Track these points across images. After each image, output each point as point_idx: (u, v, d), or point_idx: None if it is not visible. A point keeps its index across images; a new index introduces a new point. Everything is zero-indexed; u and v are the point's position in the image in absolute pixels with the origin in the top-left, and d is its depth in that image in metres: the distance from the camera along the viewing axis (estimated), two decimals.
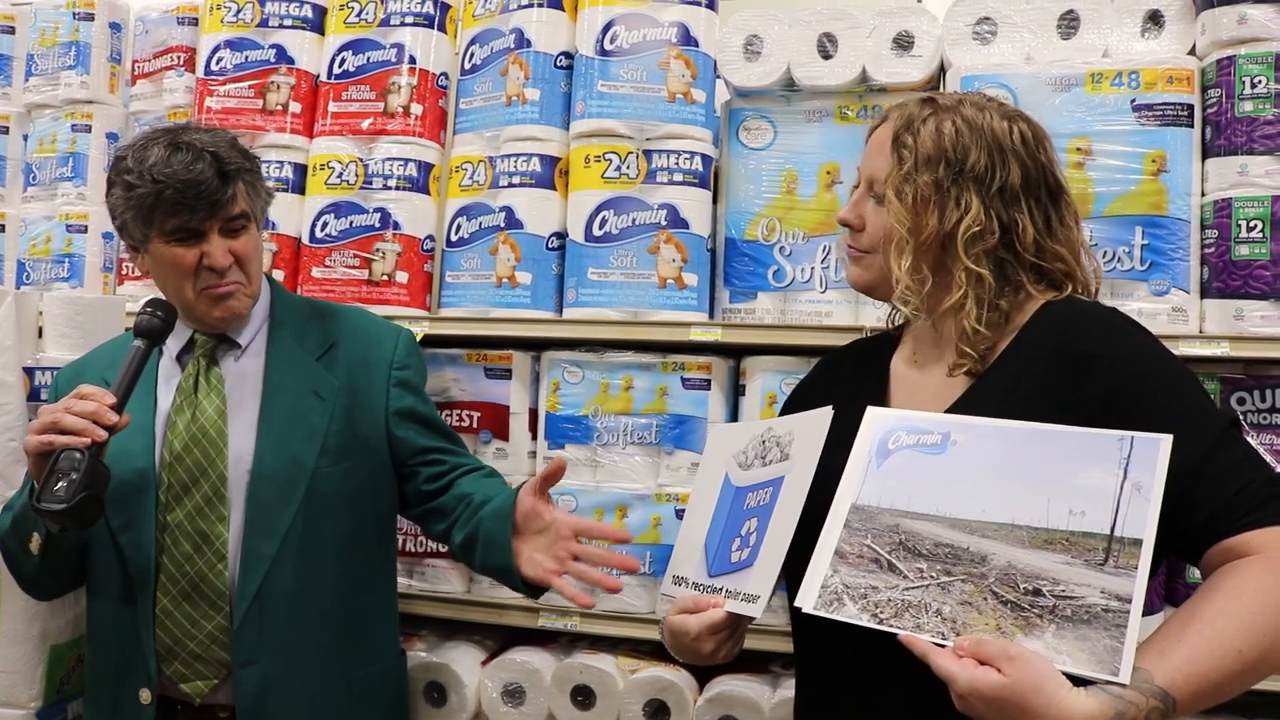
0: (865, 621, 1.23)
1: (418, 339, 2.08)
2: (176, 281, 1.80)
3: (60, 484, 1.58)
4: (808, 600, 1.29)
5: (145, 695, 1.79)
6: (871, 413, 1.41)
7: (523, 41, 2.40)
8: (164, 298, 1.84)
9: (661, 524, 2.20)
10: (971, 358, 1.41)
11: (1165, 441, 1.19)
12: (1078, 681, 1.11)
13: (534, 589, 1.74)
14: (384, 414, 1.94)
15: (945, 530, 1.27)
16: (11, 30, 2.91)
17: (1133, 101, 2.05)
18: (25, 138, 2.88)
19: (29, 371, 2.11)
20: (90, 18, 2.79)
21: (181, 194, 1.73)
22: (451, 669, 2.28)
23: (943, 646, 1.16)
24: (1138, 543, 1.16)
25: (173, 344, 1.89)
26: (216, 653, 1.79)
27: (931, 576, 1.23)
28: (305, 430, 1.85)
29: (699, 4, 2.33)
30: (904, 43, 2.19)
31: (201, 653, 1.79)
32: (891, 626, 1.21)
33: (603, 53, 2.32)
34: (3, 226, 2.84)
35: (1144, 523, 1.17)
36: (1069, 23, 2.13)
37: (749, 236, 2.29)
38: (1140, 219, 2.03)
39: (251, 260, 1.86)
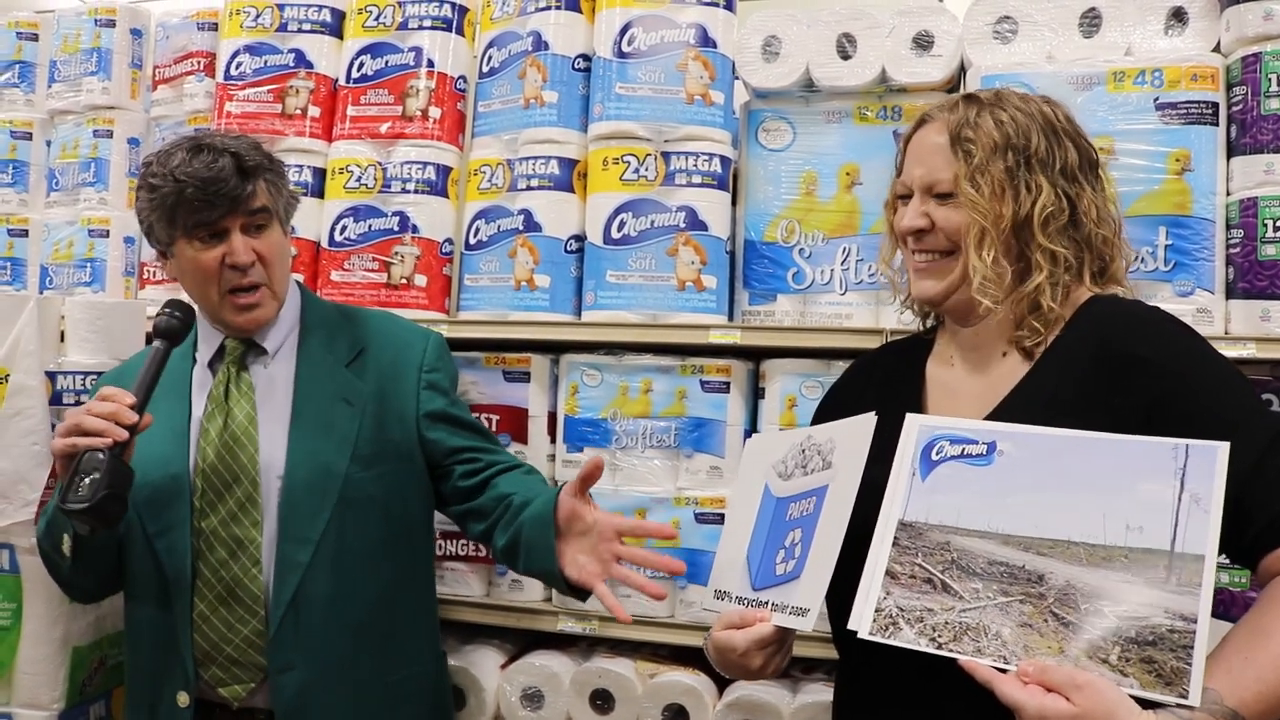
0: (925, 647, 1.21)
1: None
2: (202, 284, 1.83)
3: (83, 484, 1.61)
4: (863, 625, 1.27)
5: (183, 698, 1.81)
6: (912, 420, 1.39)
7: (541, 44, 2.39)
8: (184, 299, 1.85)
9: (680, 527, 2.19)
10: (1039, 333, 1.42)
11: (1222, 450, 1.16)
12: (1145, 705, 1.09)
13: (580, 591, 1.72)
14: (414, 418, 1.93)
15: (998, 547, 1.24)
16: (35, 37, 2.93)
17: (1156, 100, 2.02)
18: (48, 143, 2.89)
19: (51, 375, 2.13)
20: (112, 24, 2.80)
21: (202, 190, 1.75)
22: (470, 672, 2.27)
23: (1005, 671, 1.14)
24: (1199, 559, 1.13)
25: (204, 350, 1.91)
26: (253, 657, 1.80)
27: (988, 597, 1.21)
28: (336, 437, 1.86)
29: (717, 5, 2.32)
30: (924, 42, 2.17)
31: (239, 657, 1.80)
32: (952, 651, 1.19)
33: (620, 55, 2.32)
34: (26, 231, 2.85)
35: (1205, 538, 1.14)
36: (1091, 21, 2.11)
37: (768, 238, 2.28)
38: (1164, 219, 2.00)
39: (275, 261, 1.86)
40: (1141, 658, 1.11)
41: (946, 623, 1.21)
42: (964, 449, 1.32)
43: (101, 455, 1.62)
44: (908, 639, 1.22)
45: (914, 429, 1.37)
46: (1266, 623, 1.18)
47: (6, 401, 2.12)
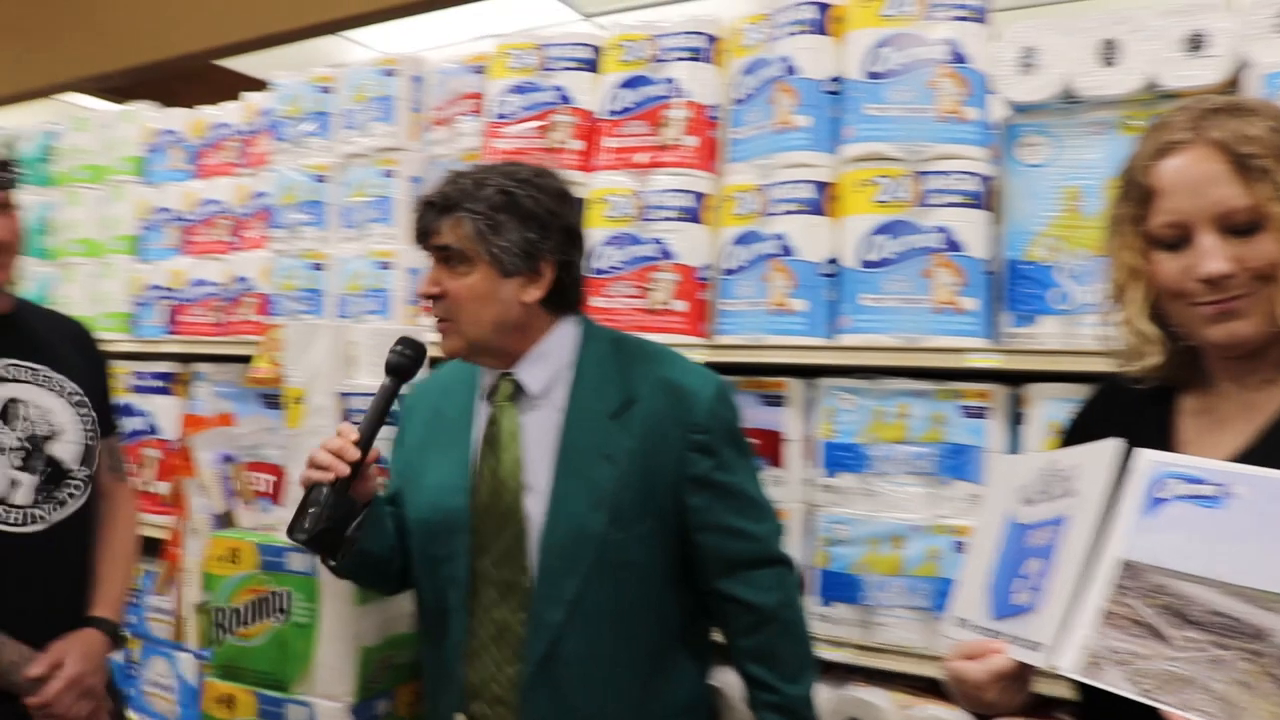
0: (1128, 692, 1.14)
1: None
2: None
3: (307, 516, 1.73)
4: (1064, 661, 1.22)
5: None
6: (1142, 456, 1.31)
7: (790, 69, 2.39)
8: (413, 336, 1.91)
9: (939, 557, 2.14)
10: None
11: None
12: None
13: None
14: (678, 480, 1.83)
15: (1220, 597, 1.14)
16: (330, 90, 3.18)
17: None
18: (342, 185, 3.12)
19: (343, 396, 2.32)
20: (395, 74, 3.01)
21: (416, 213, 1.87)
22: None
23: None
24: None
25: (486, 380, 1.93)
26: (515, 700, 1.83)
27: (1203, 648, 1.12)
28: (594, 496, 1.80)
29: (969, 19, 2.25)
30: (1195, 43, 2.02)
31: (503, 696, 1.84)
32: (1157, 700, 1.12)
33: (871, 75, 2.29)
34: (323, 265, 3.09)
35: None
36: None
37: (1030, 257, 2.18)
38: None
39: (461, 300, 1.82)
40: None
41: (1155, 670, 1.13)
42: (1194, 489, 1.22)
43: (325, 490, 1.73)
44: (1111, 681, 1.15)
45: (1143, 464, 1.29)
46: None
47: (304, 421, 2.32)
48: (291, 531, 1.75)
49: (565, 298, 1.90)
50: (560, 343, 1.90)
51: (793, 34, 2.42)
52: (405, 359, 1.88)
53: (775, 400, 2.38)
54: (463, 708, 1.87)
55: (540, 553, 1.81)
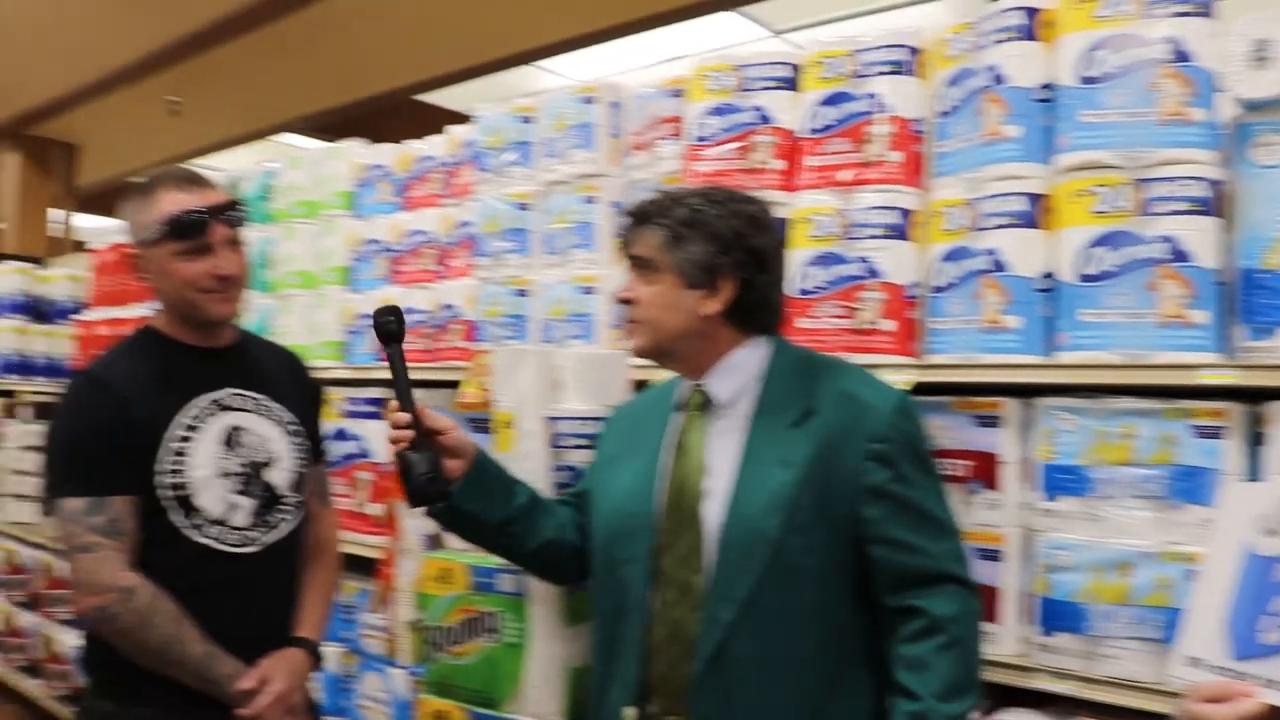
0: None
1: (908, 388, 2.05)
2: None
3: (404, 483, 2.01)
4: None
5: (630, 713, 1.94)
6: None
7: (998, 78, 2.31)
8: (394, 305, 2.11)
9: (1171, 586, 2.02)
10: None
11: None
12: None
13: None
14: (856, 490, 1.86)
15: None
16: (530, 120, 3.23)
17: None
18: (544, 212, 3.17)
19: (550, 420, 2.36)
20: (594, 101, 3.04)
21: (621, 225, 2.07)
22: None
23: None
24: None
25: (681, 391, 2.05)
26: (688, 698, 1.88)
27: None
28: (770, 501, 1.86)
29: (1192, 14, 2.13)
30: None
31: (677, 693, 1.89)
32: None
33: (1085, 80, 2.19)
34: (527, 291, 3.15)
35: None
36: None
37: (1267, 265, 2.04)
38: None
39: (648, 306, 1.97)
40: None
41: None
42: None
43: (406, 456, 1.98)
44: None
45: None
46: None
47: (515, 445, 2.37)
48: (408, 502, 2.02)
49: (751, 316, 1.99)
50: (750, 357, 1.99)
51: (999, 41, 2.34)
52: (392, 323, 2.06)
53: (989, 421, 2.29)
54: (635, 703, 1.93)
55: (717, 552, 1.88)
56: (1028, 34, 2.31)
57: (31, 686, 5.97)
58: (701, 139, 2.75)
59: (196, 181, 2.25)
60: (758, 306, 1.99)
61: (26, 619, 6.08)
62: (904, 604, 1.86)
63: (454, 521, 2.14)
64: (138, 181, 2.30)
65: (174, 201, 2.19)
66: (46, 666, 5.75)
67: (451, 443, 2.06)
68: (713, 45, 7.16)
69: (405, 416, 2.00)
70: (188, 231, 2.18)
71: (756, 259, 1.96)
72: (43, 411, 6.36)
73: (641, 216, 2.00)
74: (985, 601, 2.12)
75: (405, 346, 2.07)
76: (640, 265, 1.99)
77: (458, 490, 2.05)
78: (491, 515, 2.10)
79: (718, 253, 1.93)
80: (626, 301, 2.01)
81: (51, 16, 7.72)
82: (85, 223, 11.43)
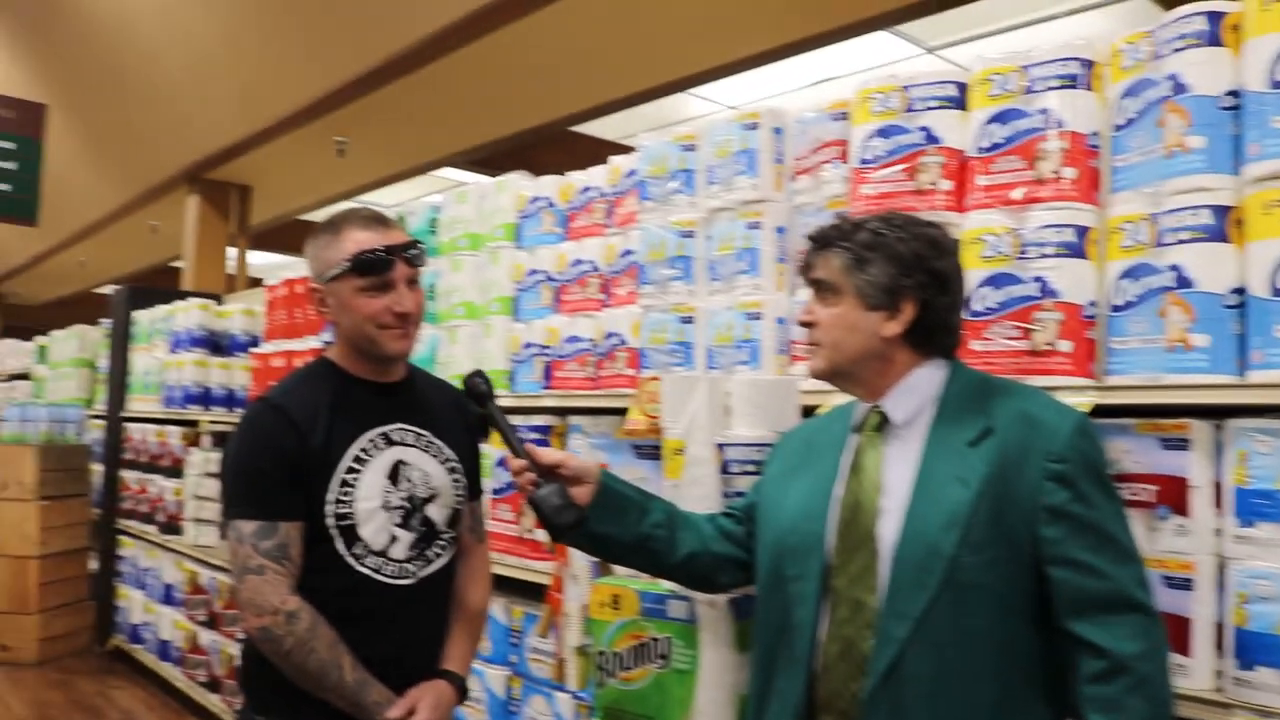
0: None
1: (1087, 410, 2.00)
2: None
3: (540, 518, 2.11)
4: None
5: None
6: None
7: (1180, 87, 2.23)
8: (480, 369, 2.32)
9: None
10: None
11: None
12: None
13: None
14: (1033, 509, 1.82)
15: None
16: (692, 148, 3.25)
17: None
18: (708, 239, 3.18)
19: (720, 447, 2.38)
20: (756, 127, 3.04)
21: (803, 250, 2.10)
22: None
23: None
24: None
25: (859, 412, 2.06)
26: (858, 715, 1.87)
27: None
28: (946, 518, 1.83)
29: None
30: None
31: (847, 710, 1.88)
32: None
33: (1277, 85, 2.10)
34: (692, 318, 3.16)
35: None
36: None
37: None
38: None
39: (828, 329, 2.00)
40: None
41: None
42: None
43: (534, 493, 2.09)
44: None
45: None
46: None
47: (685, 471, 2.39)
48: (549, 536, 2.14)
49: (930, 338, 1.99)
50: (927, 378, 1.99)
51: (1180, 49, 2.26)
52: (485, 384, 2.26)
53: (1177, 444, 2.21)
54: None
55: (892, 568, 1.86)
56: (1212, 39, 2.23)
57: (212, 701, 6.25)
58: (867, 161, 2.73)
59: (380, 221, 2.35)
60: (937, 328, 1.99)
61: (207, 637, 6.37)
62: (1087, 635, 1.79)
63: (593, 545, 2.22)
64: (324, 220, 2.40)
65: (359, 240, 2.29)
66: (225, 682, 6.01)
67: (572, 472, 2.14)
68: (864, 65, 7.11)
69: (521, 461, 2.12)
70: (371, 269, 2.27)
71: (937, 281, 1.96)
72: (220, 440, 6.66)
73: (823, 241, 2.03)
74: (1175, 632, 2.06)
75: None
76: (821, 288, 2.02)
77: (589, 513, 2.12)
78: (626, 533, 2.16)
79: (899, 275, 1.94)
80: (807, 324, 2.04)
81: (227, 66, 8.12)
82: (256, 259, 11.96)
